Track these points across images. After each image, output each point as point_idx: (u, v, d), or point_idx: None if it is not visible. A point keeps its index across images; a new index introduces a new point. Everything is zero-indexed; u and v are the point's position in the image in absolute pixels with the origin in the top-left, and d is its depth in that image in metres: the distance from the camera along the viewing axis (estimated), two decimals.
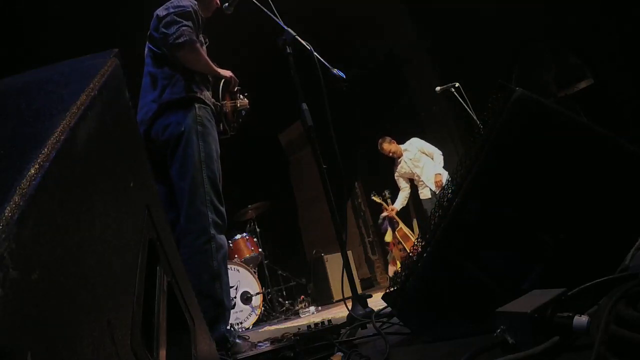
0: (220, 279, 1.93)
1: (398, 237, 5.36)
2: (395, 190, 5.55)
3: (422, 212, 5.53)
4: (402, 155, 5.33)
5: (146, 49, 2.22)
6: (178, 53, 2.04)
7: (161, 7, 2.13)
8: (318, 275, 5.68)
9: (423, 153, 5.25)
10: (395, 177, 5.48)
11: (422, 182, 5.26)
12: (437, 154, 5.19)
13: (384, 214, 5.48)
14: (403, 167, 5.35)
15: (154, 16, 2.14)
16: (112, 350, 0.50)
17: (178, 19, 2.04)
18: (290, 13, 2.66)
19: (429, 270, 1.14)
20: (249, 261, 4.80)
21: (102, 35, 3.64)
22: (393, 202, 5.53)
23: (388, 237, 5.53)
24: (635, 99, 3.85)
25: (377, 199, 5.59)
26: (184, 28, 2.02)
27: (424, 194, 5.27)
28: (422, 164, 5.23)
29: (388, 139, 5.37)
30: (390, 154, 5.36)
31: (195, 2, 2.16)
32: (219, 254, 1.95)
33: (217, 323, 1.87)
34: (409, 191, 5.45)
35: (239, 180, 6.50)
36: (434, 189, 5.09)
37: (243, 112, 2.46)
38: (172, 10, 2.07)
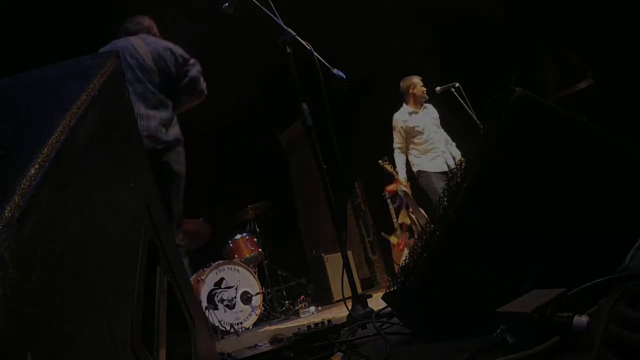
0: None
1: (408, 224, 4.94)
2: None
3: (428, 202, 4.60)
4: (422, 105, 4.37)
5: (151, 63, 2.36)
6: (196, 101, 2.50)
7: (173, 45, 2.41)
8: (318, 275, 5.67)
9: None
10: (396, 130, 4.35)
11: (434, 149, 4.22)
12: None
13: (402, 188, 4.57)
14: (419, 120, 4.28)
15: (168, 50, 2.37)
16: (112, 350, 0.50)
17: (201, 76, 2.47)
18: (289, 12, 2.65)
19: (429, 270, 1.14)
20: (249, 261, 4.80)
21: (101, 35, 3.64)
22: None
23: (404, 219, 4.99)
24: (635, 99, 3.85)
25: (387, 167, 4.85)
26: (205, 84, 2.49)
27: (434, 165, 4.17)
28: (440, 130, 4.36)
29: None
30: (411, 90, 4.37)
31: None
32: None
33: None
34: (405, 157, 4.38)
35: (239, 180, 6.50)
36: (449, 162, 4.20)
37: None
38: (192, 61, 2.46)
